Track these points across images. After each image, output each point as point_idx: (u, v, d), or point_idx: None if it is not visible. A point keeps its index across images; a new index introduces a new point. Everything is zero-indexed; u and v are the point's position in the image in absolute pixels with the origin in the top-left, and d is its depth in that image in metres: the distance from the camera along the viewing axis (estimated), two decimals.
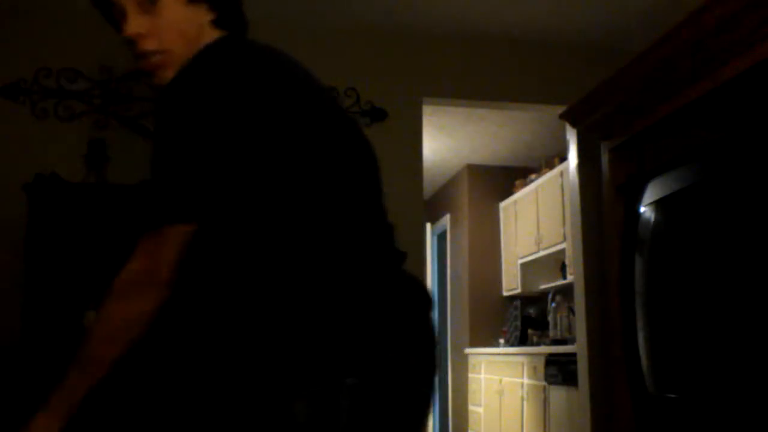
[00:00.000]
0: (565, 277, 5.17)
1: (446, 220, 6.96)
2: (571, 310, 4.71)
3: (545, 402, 4.57)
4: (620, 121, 2.57)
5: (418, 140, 3.66)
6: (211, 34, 1.17)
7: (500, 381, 5.36)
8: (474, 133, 5.53)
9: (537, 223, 5.56)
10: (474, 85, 3.77)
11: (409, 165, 3.62)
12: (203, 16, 1.18)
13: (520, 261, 5.86)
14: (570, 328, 4.95)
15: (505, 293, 6.21)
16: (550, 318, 5.51)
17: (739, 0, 1.92)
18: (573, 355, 3.97)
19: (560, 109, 3.26)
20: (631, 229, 2.40)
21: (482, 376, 5.78)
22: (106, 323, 1.09)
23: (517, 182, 6.07)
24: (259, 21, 3.77)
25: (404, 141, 3.62)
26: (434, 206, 7.25)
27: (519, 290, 5.92)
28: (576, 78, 3.59)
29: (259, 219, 1.06)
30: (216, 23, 1.20)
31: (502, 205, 6.30)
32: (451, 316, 6.75)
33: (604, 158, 2.72)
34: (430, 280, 7.10)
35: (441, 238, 7.23)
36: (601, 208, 2.92)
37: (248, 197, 1.05)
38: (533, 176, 5.80)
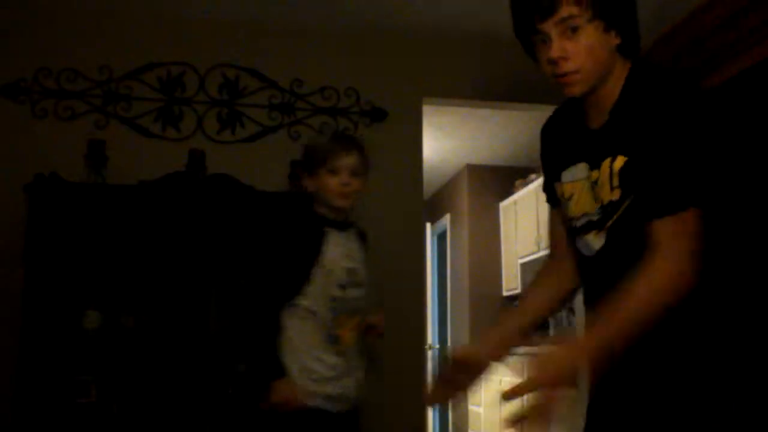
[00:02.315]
0: None
1: (446, 220, 6.96)
2: (572, 310, 4.70)
3: None
4: None
5: (418, 140, 3.66)
6: (616, 57, 1.42)
7: (500, 381, 5.36)
8: (474, 133, 5.53)
9: (537, 223, 5.56)
10: (474, 85, 3.77)
11: (409, 165, 3.62)
12: (612, 41, 1.40)
13: (520, 261, 5.86)
14: (572, 328, 4.95)
15: (506, 293, 6.20)
16: (551, 318, 5.50)
17: (739, 0, 1.92)
18: None
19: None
20: None
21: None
22: (649, 298, 1.26)
23: (517, 182, 6.07)
24: (261, 22, 3.80)
25: (404, 141, 3.62)
26: (434, 206, 7.25)
27: (519, 290, 5.91)
28: None
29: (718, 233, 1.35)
30: (620, 47, 1.42)
31: (502, 205, 6.30)
32: (451, 316, 6.75)
33: None
34: (430, 280, 7.10)
35: (441, 238, 7.23)
36: None
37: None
38: (533, 176, 5.79)
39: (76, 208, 2.91)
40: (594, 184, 1.42)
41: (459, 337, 6.47)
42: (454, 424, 6.47)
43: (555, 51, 1.38)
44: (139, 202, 2.98)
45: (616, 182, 1.37)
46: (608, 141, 1.40)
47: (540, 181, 5.61)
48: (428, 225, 7.08)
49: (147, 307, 2.87)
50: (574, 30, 1.36)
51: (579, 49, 1.37)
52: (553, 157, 1.58)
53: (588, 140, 1.47)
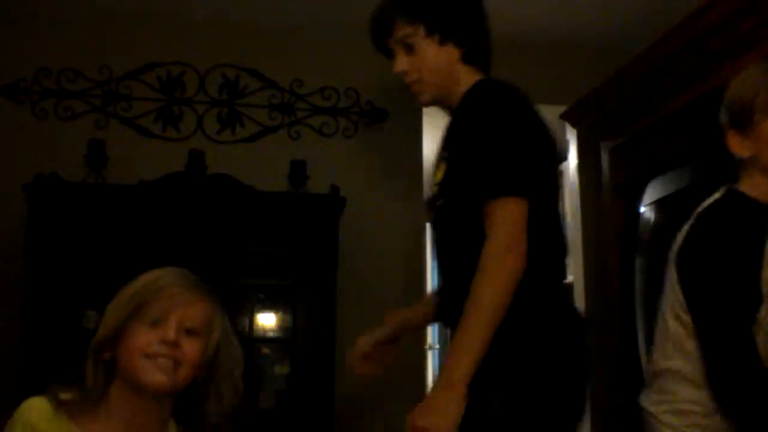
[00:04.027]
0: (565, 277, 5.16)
1: None
2: None
3: None
4: (620, 121, 2.57)
5: (419, 140, 3.66)
6: (461, 67, 1.55)
7: None
8: None
9: None
10: None
11: (409, 165, 3.61)
12: (452, 52, 1.54)
13: None
14: None
15: None
16: None
17: (739, 0, 1.92)
18: None
19: (560, 110, 3.26)
20: (630, 229, 2.40)
21: None
22: (494, 277, 1.31)
23: None
24: (261, 22, 3.79)
25: (404, 141, 3.61)
26: None
27: None
28: (576, 78, 3.57)
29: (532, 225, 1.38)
30: (464, 58, 1.54)
31: None
32: None
33: (604, 158, 2.72)
34: (430, 281, 7.10)
35: None
36: (601, 208, 2.92)
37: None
38: None
39: (76, 208, 2.91)
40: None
41: None
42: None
43: (396, 66, 1.60)
44: (139, 202, 2.98)
45: (436, 181, 1.54)
46: (442, 143, 1.59)
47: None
48: (428, 225, 7.07)
49: None
50: (411, 46, 1.54)
51: (417, 63, 1.55)
52: None
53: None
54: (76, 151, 3.14)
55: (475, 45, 1.57)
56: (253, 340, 3.16)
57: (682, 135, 2.24)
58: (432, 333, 6.95)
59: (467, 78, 1.54)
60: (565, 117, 3.16)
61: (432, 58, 1.53)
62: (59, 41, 3.40)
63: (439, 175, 1.52)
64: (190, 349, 1.33)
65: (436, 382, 1.35)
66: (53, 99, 3.34)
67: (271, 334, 3.24)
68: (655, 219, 2.32)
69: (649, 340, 2.27)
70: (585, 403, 1.49)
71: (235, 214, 3.04)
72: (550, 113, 3.98)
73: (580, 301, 3.75)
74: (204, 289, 1.40)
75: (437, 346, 6.99)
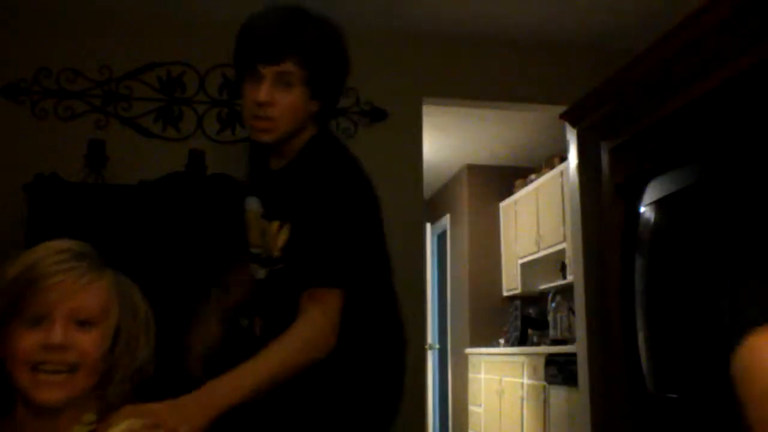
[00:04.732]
0: (565, 277, 5.17)
1: (446, 220, 6.96)
2: (571, 310, 4.70)
3: (545, 402, 4.57)
4: (620, 121, 2.57)
5: (419, 140, 3.66)
6: (310, 122, 1.55)
7: (500, 381, 5.36)
8: (474, 133, 5.53)
9: (537, 223, 5.56)
10: (474, 85, 3.77)
11: (409, 165, 3.62)
12: (312, 107, 1.52)
13: (520, 261, 5.86)
14: (570, 328, 4.95)
15: (506, 293, 6.21)
16: (550, 318, 5.50)
17: (739, 0, 1.92)
18: (573, 355, 3.97)
19: (560, 109, 3.26)
20: (630, 229, 2.40)
21: (482, 376, 5.78)
22: (290, 359, 1.36)
23: (517, 182, 6.07)
24: None
25: (404, 141, 3.62)
26: (434, 206, 7.25)
27: (519, 290, 5.92)
28: (576, 78, 3.58)
29: (367, 304, 1.56)
30: (317, 115, 1.55)
31: (502, 205, 6.30)
32: (452, 317, 6.75)
33: (604, 158, 2.71)
34: (430, 281, 7.10)
35: (441, 238, 7.23)
36: (601, 208, 2.92)
37: (366, 282, 1.54)
38: (533, 176, 5.80)
39: (76, 208, 2.91)
40: (264, 230, 1.56)
41: (459, 337, 6.47)
42: (453, 424, 6.47)
43: (264, 95, 1.45)
44: (139, 202, 2.98)
45: (280, 245, 1.52)
46: (276, 194, 1.55)
47: (540, 181, 5.63)
48: (428, 225, 7.09)
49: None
50: (288, 85, 1.46)
51: (285, 102, 1.46)
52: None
53: (265, 180, 1.61)
54: (76, 150, 3.14)
55: (331, 110, 1.61)
56: None
57: (682, 135, 2.24)
58: (432, 333, 6.96)
59: (309, 131, 1.55)
60: (565, 117, 3.16)
61: (299, 105, 1.49)
62: (59, 41, 3.41)
63: (283, 238, 1.51)
64: (86, 344, 1.09)
65: (198, 390, 1.29)
66: (53, 99, 3.34)
67: None
68: (655, 219, 2.32)
69: (649, 340, 2.28)
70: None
71: (235, 214, 3.03)
72: (550, 113, 4.02)
73: (579, 301, 3.76)
74: (93, 266, 1.16)
75: (437, 346, 7.00)
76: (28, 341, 1.06)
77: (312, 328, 1.38)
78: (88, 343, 1.09)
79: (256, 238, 1.61)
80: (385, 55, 3.69)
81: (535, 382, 4.74)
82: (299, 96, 1.48)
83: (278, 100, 1.46)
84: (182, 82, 3.46)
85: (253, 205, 1.62)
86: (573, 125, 3.36)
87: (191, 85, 3.47)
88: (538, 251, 5.53)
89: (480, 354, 5.91)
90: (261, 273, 1.60)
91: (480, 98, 3.82)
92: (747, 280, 1.88)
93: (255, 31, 1.48)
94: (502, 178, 6.32)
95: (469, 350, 6.17)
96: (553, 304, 5.45)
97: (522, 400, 4.92)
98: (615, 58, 3.01)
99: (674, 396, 2.14)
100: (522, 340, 5.70)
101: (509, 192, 6.19)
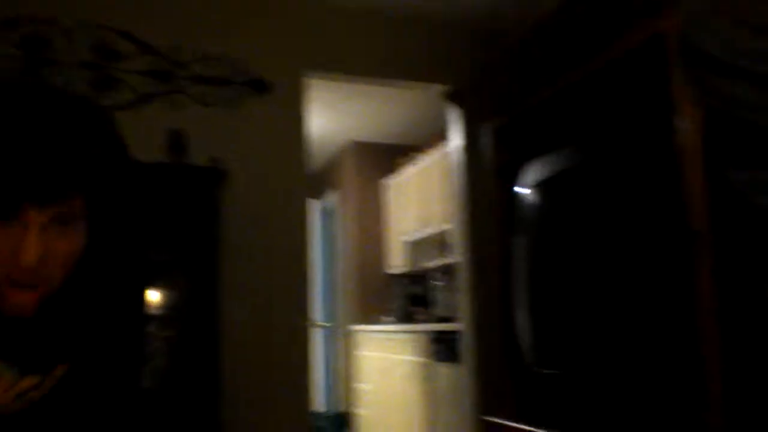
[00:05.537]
0: (449, 256, 5.25)
1: (334, 195, 6.91)
2: (456, 289, 4.78)
3: (430, 379, 4.64)
4: (502, 103, 2.59)
5: (302, 114, 3.57)
6: None
7: (386, 359, 5.40)
8: (360, 110, 5.49)
9: (423, 202, 5.60)
10: (355, 60, 3.71)
11: (293, 137, 3.53)
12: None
13: (406, 239, 5.90)
14: (454, 306, 5.04)
15: (392, 271, 6.24)
16: (435, 296, 5.58)
17: None
18: (457, 332, 4.03)
19: (444, 89, 3.27)
20: (508, 212, 2.43)
21: (369, 353, 5.81)
22: None
23: (402, 160, 6.09)
24: None
25: (288, 114, 3.53)
26: (322, 181, 7.18)
27: (405, 268, 5.96)
28: (460, 58, 3.59)
29: None
30: None
31: (389, 182, 6.31)
32: (339, 294, 6.73)
33: (485, 140, 2.73)
34: (317, 257, 7.04)
35: (329, 214, 7.18)
36: (483, 188, 2.96)
37: None
38: (419, 155, 5.83)
39: None
40: None
41: (347, 314, 6.46)
42: (341, 402, 6.48)
43: (35, 251, 0.88)
44: None
45: None
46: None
47: (427, 160, 5.65)
48: (315, 201, 7.01)
49: None
50: (65, 223, 0.93)
51: (59, 247, 0.93)
52: None
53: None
54: None
55: None
56: None
57: (561, 118, 2.27)
58: (320, 309, 6.91)
59: None
60: (447, 97, 3.17)
61: (77, 243, 0.97)
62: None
63: None
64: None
65: None
66: None
67: (153, 311, 3.10)
68: (532, 202, 2.36)
69: (530, 319, 2.32)
70: None
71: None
72: (435, 92, 4.03)
73: (463, 280, 3.81)
74: None
75: (326, 324, 6.97)
76: None
77: None
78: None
79: None
80: (269, 27, 3.58)
81: (421, 360, 4.79)
82: (76, 230, 0.98)
83: (52, 248, 0.94)
84: (48, 41, 3.21)
85: None
86: (457, 106, 3.37)
87: (59, 45, 3.23)
88: (423, 230, 5.58)
89: (366, 331, 5.93)
90: None
91: (361, 74, 3.77)
92: (619, 260, 1.93)
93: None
94: (389, 156, 6.32)
95: (355, 327, 6.17)
96: (438, 283, 5.53)
97: (407, 377, 4.97)
98: (500, 40, 3.04)
99: (555, 372, 2.19)
100: (407, 318, 5.76)
101: (396, 170, 6.21)
